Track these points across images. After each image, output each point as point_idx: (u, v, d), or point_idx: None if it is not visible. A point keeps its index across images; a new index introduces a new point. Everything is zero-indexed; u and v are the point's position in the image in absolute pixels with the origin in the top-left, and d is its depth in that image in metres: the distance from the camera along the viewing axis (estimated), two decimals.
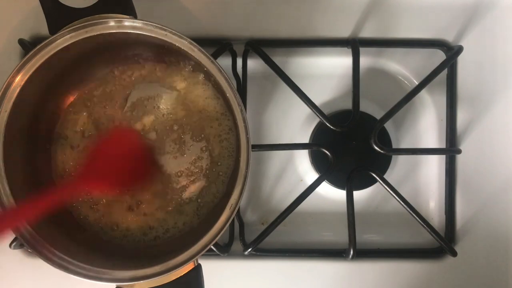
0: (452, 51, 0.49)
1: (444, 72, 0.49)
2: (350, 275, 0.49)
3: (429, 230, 0.47)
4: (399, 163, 0.51)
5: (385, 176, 0.48)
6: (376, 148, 0.47)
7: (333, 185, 0.49)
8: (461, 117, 0.50)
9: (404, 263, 0.49)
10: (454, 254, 0.48)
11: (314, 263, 0.49)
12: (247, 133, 0.37)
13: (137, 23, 0.37)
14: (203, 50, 0.37)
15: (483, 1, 0.50)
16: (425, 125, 0.51)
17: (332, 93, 0.51)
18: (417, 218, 0.47)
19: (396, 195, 0.47)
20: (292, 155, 0.51)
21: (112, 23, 0.37)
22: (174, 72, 0.45)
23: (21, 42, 0.47)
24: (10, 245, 0.46)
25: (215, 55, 0.46)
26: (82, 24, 0.37)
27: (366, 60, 0.50)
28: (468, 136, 0.50)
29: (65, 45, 0.38)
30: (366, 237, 0.50)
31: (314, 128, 0.50)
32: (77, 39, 0.38)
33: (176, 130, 0.45)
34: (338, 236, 0.49)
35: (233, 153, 0.45)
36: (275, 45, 0.49)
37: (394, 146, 0.50)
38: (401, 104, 0.47)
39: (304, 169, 0.51)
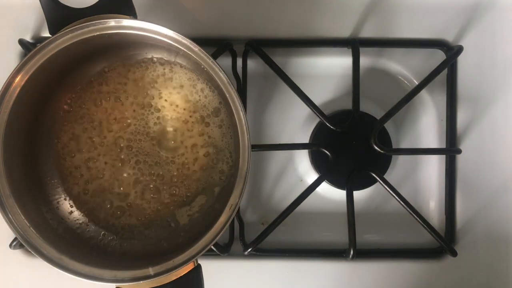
0: (452, 51, 0.49)
1: (444, 72, 0.49)
2: (350, 275, 0.49)
3: (429, 230, 0.47)
4: (399, 163, 0.51)
5: (385, 176, 0.48)
6: (376, 148, 0.47)
7: (333, 185, 0.49)
8: (461, 117, 0.50)
9: (404, 263, 0.49)
10: (454, 254, 0.48)
11: (314, 263, 0.49)
12: (247, 133, 0.37)
13: (137, 23, 0.37)
14: (203, 50, 0.37)
15: (483, 1, 0.50)
16: (425, 125, 0.51)
17: (332, 93, 0.51)
18: (417, 218, 0.47)
19: (396, 195, 0.47)
20: (292, 155, 0.51)
21: (112, 23, 0.37)
22: (173, 72, 0.45)
23: (21, 42, 0.47)
24: (10, 245, 0.47)
25: (215, 55, 0.46)
26: (82, 24, 0.37)
27: (366, 60, 0.50)
28: (468, 136, 0.50)
29: (65, 45, 0.38)
30: (366, 237, 0.50)
31: (314, 128, 0.50)
32: (77, 39, 0.38)
33: (175, 130, 0.45)
34: (338, 236, 0.49)
35: (232, 153, 0.45)
36: (275, 45, 0.49)
37: (394, 146, 0.50)
38: (401, 104, 0.47)
39: (304, 169, 0.51)
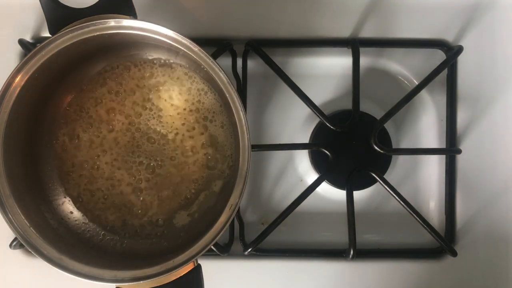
0: (452, 51, 0.49)
1: (444, 72, 0.49)
2: (350, 275, 0.49)
3: (429, 230, 0.47)
4: (399, 163, 0.51)
5: (385, 176, 0.48)
6: (376, 148, 0.47)
7: (333, 185, 0.49)
8: (461, 117, 0.50)
9: (404, 263, 0.49)
10: (454, 254, 0.48)
11: (314, 263, 0.49)
12: (247, 133, 0.37)
13: (137, 23, 0.37)
14: (203, 50, 0.37)
15: (483, 1, 0.50)
16: (425, 125, 0.51)
17: (332, 93, 0.51)
18: (417, 218, 0.47)
19: (396, 195, 0.47)
20: (292, 155, 0.51)
21: (112, 23, 0.37)
22: (173, 72, 0.45)
23: (21, 42, 0.47)
24: (10, 245, 0.47)
25: (215, 55, 0.46)
26: (82, 24, 0.37)
27: (366, 60, 0.50)
28: (468, 136, 0.50)
29: (65, 45, 0.38)
30: (366, 237, 0.50)
31: (314, 128, 0.50)
32: (77, 39, 0.38)
33: (176, 129, 0.45)
34: (338, 236, 0.49)
35: (232, 153, 0.45)
36: (275, 45, 0.49)
37: (394, 146, 0.50)
38: (401, 104, 0.47)
39: (304, 169, 0.51)
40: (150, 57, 0.45)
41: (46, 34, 0.38)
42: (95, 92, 0.45)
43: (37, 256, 0.37)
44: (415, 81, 0.51)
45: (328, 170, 0.48)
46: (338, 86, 0.51)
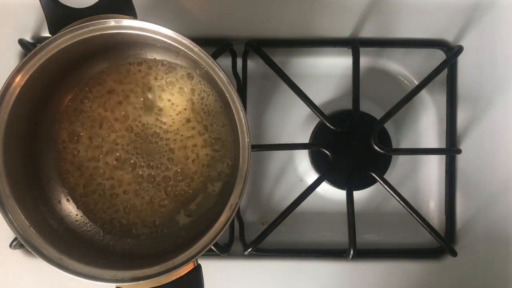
0: (452, 51, 0.49)
1: (444, 72, 0.49)
2: (350, 275, 0.49)
3: (429, 230, 0.47)
4: (399, 163, 0.51)
5: (385, 176, 0.48)
6: (376, 148, 0.47)
7: (333, 185, 0.49)
8: (461, 117, 0.50)
9: (404, 263, 0.49)
10: (454, 254, 0.48)
11: (314, 263, 0.49)
12: (247, 133, 0.37)
13: (137, 23, 0.37)
14: (203, 50, 0.37)
15: (483, 1, 0.50)
16: (425, 125, 0.51)
17: (332, 93, 0.51)
18: (417, 218, 0.47)
19: (396, 195, 0.47)
20: (292, 155, 0.51)
21: (112, 23, 0.37)
22: (173, 72, 0.45)
23: (21, 42, 0.47)
24: (10, 245, 0.47)
25: (215, 55, 0.46)
26: (82, 24, 0.37)
27: (366, 60, 0.50)
28: (468, 136, 0.50)
29: (65, 45, 0.38)
30: (366, 237, 0.50)
31: (314, 128, 0.50)
32: (77, 39, 0.38)
33: (176, 130, 0.45)
34: (338, 236, 0.49)
35: (232, 153, 0.45)
36: (275, 45, 0.49)
37: (394, 146, 0.50)
38: (401, 104, 0.47)
39: (304, 169, 0.51)
40: (150, 57, 0.45)
41: (46, 34, 0.38)
42: (95, 92, 0.45)
43: (37, 256, 0.37)
44: (415, 81, 0.51)
45: (328, 170, 0.48)
46: (338, 86, 0.51)
